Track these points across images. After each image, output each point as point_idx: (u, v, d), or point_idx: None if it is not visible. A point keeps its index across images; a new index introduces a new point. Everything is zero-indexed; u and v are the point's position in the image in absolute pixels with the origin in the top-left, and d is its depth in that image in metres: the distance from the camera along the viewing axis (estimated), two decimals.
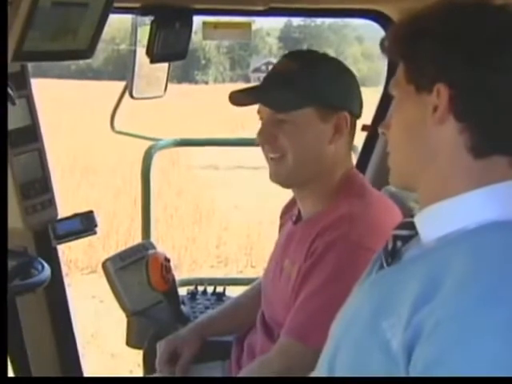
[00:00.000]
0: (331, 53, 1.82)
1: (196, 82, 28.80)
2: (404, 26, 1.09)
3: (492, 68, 1.00)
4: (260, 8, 2.32)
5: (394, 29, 1.11)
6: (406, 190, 1.16)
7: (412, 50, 1.05)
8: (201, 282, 2.73)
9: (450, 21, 1.03)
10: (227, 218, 8.03)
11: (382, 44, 1.12)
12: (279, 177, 1.67)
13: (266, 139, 1.66)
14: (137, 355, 2.15)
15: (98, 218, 2.38)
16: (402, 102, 1.09)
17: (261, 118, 1.69)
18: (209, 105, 17.91)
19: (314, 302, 1.53)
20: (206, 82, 29.80)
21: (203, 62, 29.90)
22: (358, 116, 1.70)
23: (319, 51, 1.75)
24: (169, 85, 2.53)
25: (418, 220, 1.09)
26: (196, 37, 2.65)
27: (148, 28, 2.15)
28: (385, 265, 1.11)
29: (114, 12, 1.75)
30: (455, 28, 1.02)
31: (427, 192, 1.07)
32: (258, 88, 1.72)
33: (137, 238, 3.52)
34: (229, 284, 2.75)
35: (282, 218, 1.87)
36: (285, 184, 1.70)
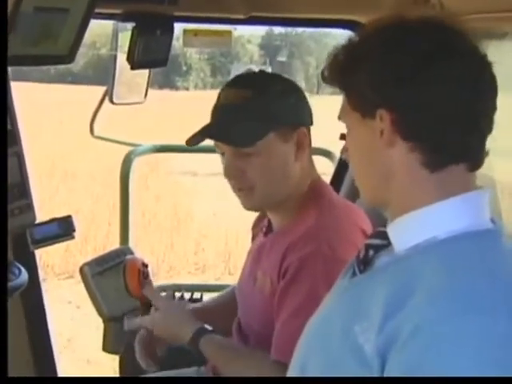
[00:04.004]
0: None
1: (177, 88, 28.72)
2: (340, 55, 1.10)
3: (422, 83, 1.01)
4: (241, 16, 2.34)
5: (331, 59, 1.11)
6: (377, 207, 1.16)
7: (350, 79, 1.07)
8: (178, 288, 2.73)
9: (376, 45, 1.05)
10: (205, 224, 8.02)
11: (322, 74, 1.13)
12: (251, 207, 1.67)
13: (234, 175, 1.62)
14: (113, 361, 2.14)
15: (76, 223, 2.37)
16: (352, 129, 1.11)
17: (221, 153, 1.64)
18: (189, 111, 17.87)
19: (293, 323, 1.47)
20: (187, 88, 29.74)
21: (184, 68, 29.83)
22: (311, 124, 1.68)
23: (261, 71, 1.70)
24: (150, 90, 2.53)
25: (390, 230, 1.10)
26: (178, 43, 2.65)
27: (129, 34, 2.16)
28: (357, 272, 1.13)
29: (95, 18, 1.76)
30: (381, 52, 1.04)
31: (393, 207, 1.09)
32: (216, 125, 1.63)
33: (115, 244, 3.50)
34: (206, 290, 2.76)
35: (253, 229, 1.87)
36: (258, 210, 1.71)
